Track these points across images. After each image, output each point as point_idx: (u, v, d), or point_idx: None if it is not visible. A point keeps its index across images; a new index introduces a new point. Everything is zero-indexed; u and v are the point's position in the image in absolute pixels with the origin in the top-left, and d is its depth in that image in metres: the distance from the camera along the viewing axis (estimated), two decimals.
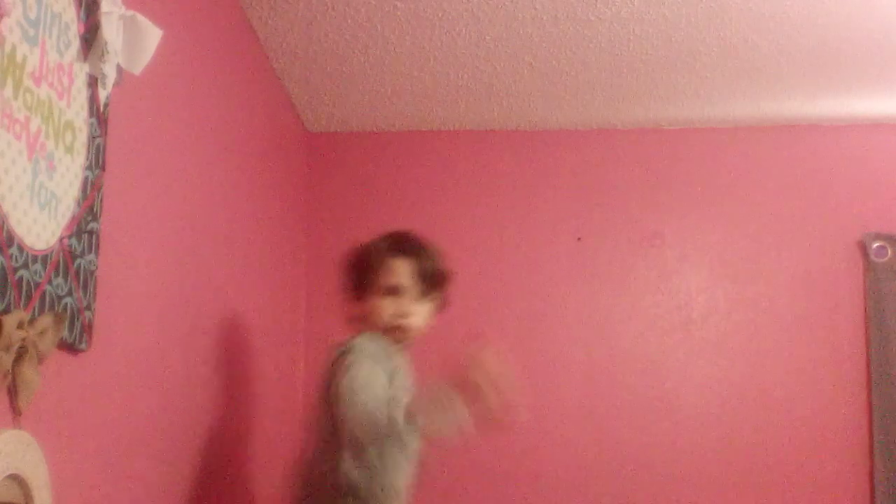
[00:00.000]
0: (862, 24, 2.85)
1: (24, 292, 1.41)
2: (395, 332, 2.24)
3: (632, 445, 3.48)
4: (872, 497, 3.36)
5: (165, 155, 2.15)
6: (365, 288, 2.26)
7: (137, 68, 1.78)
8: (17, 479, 1.39)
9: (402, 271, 2.24)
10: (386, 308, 2.22)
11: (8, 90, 1.37)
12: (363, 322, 2.27)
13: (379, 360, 2.18)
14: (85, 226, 1.63)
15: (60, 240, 1.54)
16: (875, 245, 3.47)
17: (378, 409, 2.03)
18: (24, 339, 1.37)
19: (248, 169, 2.86)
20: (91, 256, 1.65)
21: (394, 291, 2.23)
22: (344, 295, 2.32)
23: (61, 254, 1.54)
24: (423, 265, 2.25)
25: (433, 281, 2.26)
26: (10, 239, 1.38)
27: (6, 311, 1.36)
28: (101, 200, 1.70)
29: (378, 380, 2.12)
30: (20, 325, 1.37)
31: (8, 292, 1.37)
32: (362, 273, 2.28)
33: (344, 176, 3.70)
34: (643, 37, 2.94)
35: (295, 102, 3.44)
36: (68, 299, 1.56)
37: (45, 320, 1.44)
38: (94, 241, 1.67)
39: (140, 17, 1.75)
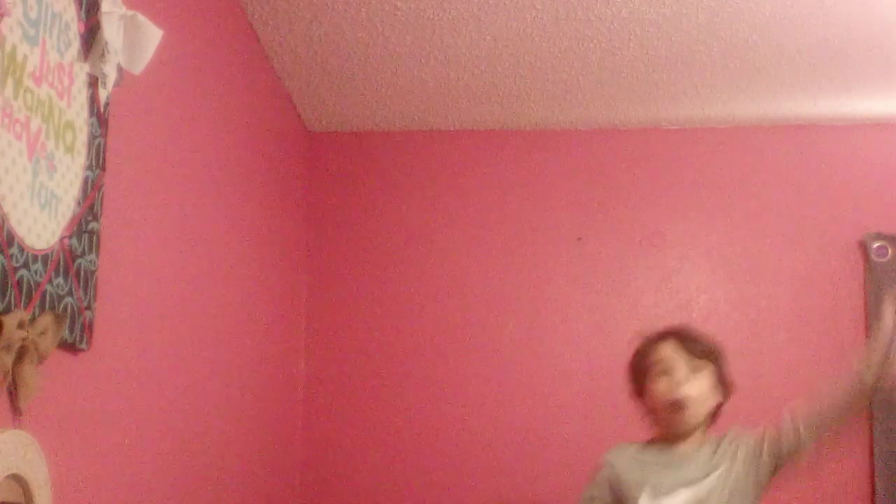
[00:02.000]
0: (862, 24, 2.85)
1: (24, 292, 1.41)
2: (673, 416, 2.31)
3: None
4: (872, 497, 3.36)
5: (165, 155, 2.15)
6: (642, 379, 2.38)
7: (138, 68, 1.78)
8: (17, 479, 1.39)
9: (666, 351, 2.35)
10: (659, 388, 2.32)
11: (8, 90, 1.37)
12: (649, 416, 2.38)
13: (621, 470, 2.34)
14: (85, 226, 1.63)
15: (61, 240, 1.54)
16: (875, 245, 3.47)
17: None
18: (24, 339, 1.37)
19: (248, 169, 2.86)
20: (91, 256, 1.65)
21: (663, 369, 2.33)
22: (632, 396, 2.44)
23: (61, 254, 1.54)
24: (686, 341, 2.35)
25: (701, 354, 2.34)
26: (11, 239, 1.38)
27: (6, 311, 1.36)
28: (102, 200, 1.70)
29: (591, 497, 2.38)
30: (20, 325, 1.37)
31: (8, 292, 1.37)
32: (636, 367, 2.41)
33: (344, 176, 3.70)
34: (643, 37, 2.94)
35: (295, 102, 3.44)
36: (68, 299, 1.56)
37: (46, 320, 1.44)
38: (94, 241, 1.67)
39: (140, 17, 1.75)
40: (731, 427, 2.44)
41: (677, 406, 2.29)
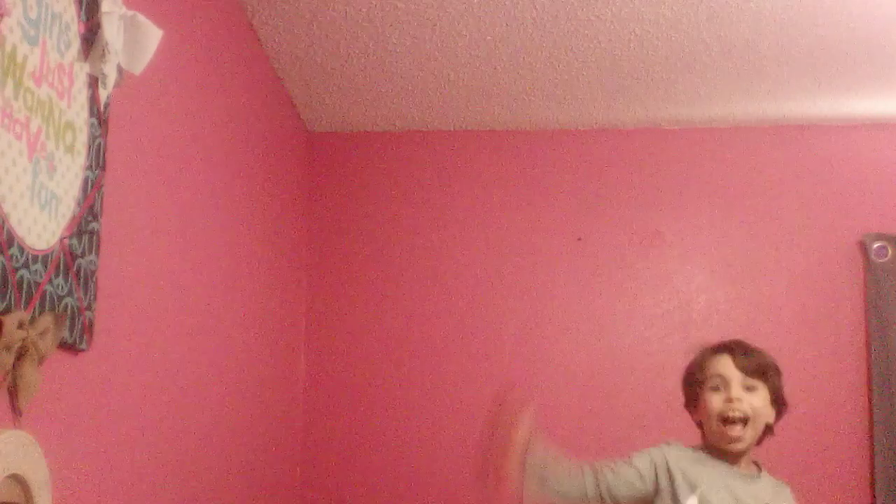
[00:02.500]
0: (862, 24, 2.85)
1: (24, 292, 1.41)
2: (725, 432, 2.27)
3: (632, 445, 3.46)
4: (872, 497, 3.36)
5: (165, 155, 2.15)
6: (697, 391, 2.35)
7: (138, 68, 1.78)
8: (17, 479, 1.39)
9: (723, 364, 2.32)
10: (714, 401, 2.29)
11: (8, 90, 1.37)
12: (702, 427, 2.35)
13: (679, 461, 2.31)
14: (85, 226, 1.63)
15: (61, 240, 1.54)
16: (875, 245, 3.47)
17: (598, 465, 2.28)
18: (24, 339, 1.37)
19: (248, 169, 2.86)
20: (91, 256, 1.65)
21: (718, 384, 2.30)
22: (686, 407, 2.42)
23: (62, 254, 1.54)
24: (743, 356, 2.33)
25: (757, 371, 2.32)
26: (11, 239, 1.38)
27: (7, 311, 1.36)
28: (102, 200, 1.70)
29: (632, 463, 2.33)
30: (21, 325, 1.37)
31: (8, 292, 1.37)
32: (692, 378, 2.38)
33: (344, 176, 3.70)
34: (643, 37, 2.94)
35: (295, 102, 3.44)
36: (68, 299, 1.56)
37: (46, 320, 1.44)
38: (94, 241, 1.67)
39: (140, 17, 1.75)
40: (785, 481, 2.41)
41: (730, 421, 2.27)
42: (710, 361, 2.34)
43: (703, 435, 2.34)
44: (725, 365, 2.31)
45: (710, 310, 3.54)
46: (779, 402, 2.36)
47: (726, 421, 2.26)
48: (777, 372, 2.36)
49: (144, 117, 2.00)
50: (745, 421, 2.26)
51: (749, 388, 2.29)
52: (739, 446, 2.27)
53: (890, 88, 3.30)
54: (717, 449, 2.30)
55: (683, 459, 2.31)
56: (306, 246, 3.64)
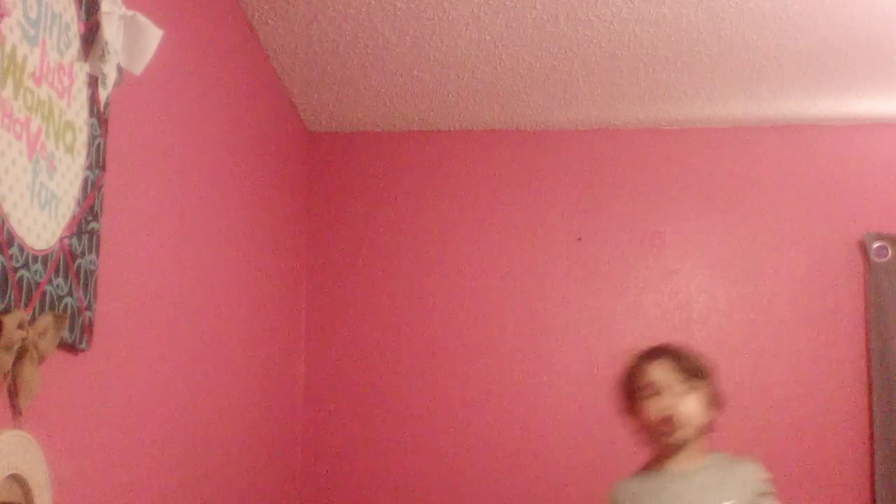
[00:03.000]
0: (862, 24, 2.85)
1: (24, 292, 1.41)
2: (665, 434, 2.30)
3: (632, 445, 3.47)
4: (872, 496, 3.36)
5: (165, 155, 2.15)
6: (632, 399, 2.37)
7: (138, 68, 1.78)
8: (17, 479, 1.39)
9: (656, 371, 2.34)
10: (650, 409, 2.32)
11: (8, 90, 1.37)
12: (642, 434, 2.38)
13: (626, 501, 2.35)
14: (85, 226, 1.63)
15: (61, 240, 1.54)
16: (875, 245, 3.47)
17: None
18: (24, 339, 1.37)
19: (248, 169, 2.86)
20: (91, 256, 1.65)
21: (653, 391, 2.32)
22: (622, 415, 2.44)
23: (61, 254, 1.54)
24: (675, 361, 2.35)
25: (691, 372, 2.34)
26: (11, 239, 1.38)
27: (6, 311, 1.36)
28: (101, 200, 1.70)
29: None
30: (20, 325, 1.37)
31: (8, 292, 1.37)
32: (626, 387, 2.40)
33: (344, 176, 3.70)
34: (643, 37, 2.94)
35: (295, 102, 3.44)
36: (68, 299, 1.56)
37: (46, 320, 1.44)
38: (94, 241, 1.67)
39: (140, 17, 1.75)
40: (747, 458, 2.40)
41: (669, 423, 2.29)
42: (643, 368, 2.36)
43: (643, 441, 2.37)
44: (659, 370, 2.33)
45: (710, 310, 3.54)
46: (715, 401, 2.37)
47: (664, 422, 2.29)
48: (710, 372, 2.38)
49: (144, 117, 2.00)
50: (680, 425, 2.29)
51: (683, 392, 2.31)
52: (679, 444, 2.30)
53: (890, 88, 3.30)
54: (660, 451, 2.33)
55: (628, 497, 2.35)
56: (306, 246, 3.64)
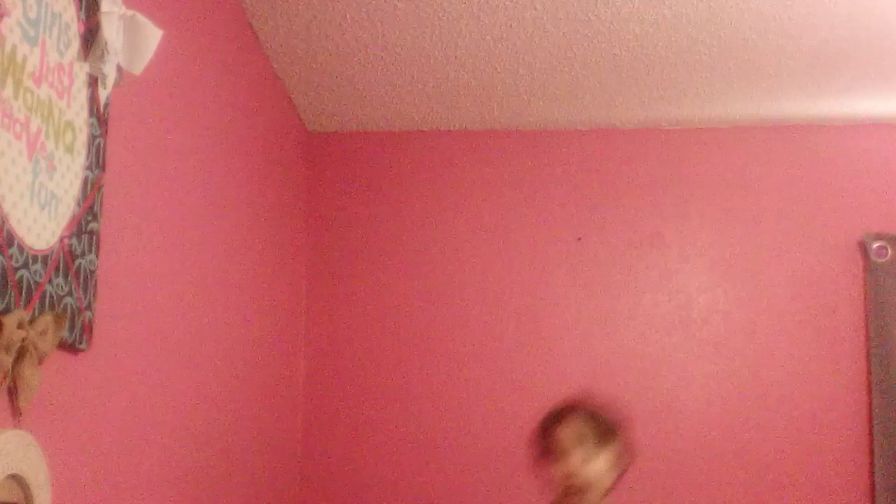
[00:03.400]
0: (862, 24, 2.85)
1: (24, 292, 1.41)
2: (572, 497, 2.33)
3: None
4: (872, 497, 3.36)
5: (165, 155, 2.15)
6: (542, 457, 2.41)
7: (137, 68, 1.78)
8: (17, 479, 1.39)
9: (565, 432, 2.36)
10: (556, 469, 2.35)
11: (8, 90, 1.37)
12: (549, 490, 2.40)
13: None
14: (85, 226, 1.63)
15: (60, 240, 1.54)
16: (875, 245, 3.47)
17: None
18: (24, 339, 1.37)
19: (248, 169, 2.86)
20: (91, 256, 1.65)
21: (561, 453, 2.35)
22: (533, 467, 2.46)
23: (61, 254, 1.54)
24: (586, 421, 2.36)
25: (602, 432, 2.35)
26: (11, 239, 1.38)
27: (6, 311, 1.36)
28: (101, 200, 1.70)
29: None
30: (20, 325, 1.37)
31: (8, 292, 1.37)
32: (536, 445, 2.43)
33: (344, 176, 3.70)
34: (643, 37, 2.94)
35: (295, 102, 3.44)
36: (68, 299, 1.56)
37: (46, 320, 1.44)
38: (94, 241, 1.67)
39: (140, 17, 1.75)
40: None
41: (575, 489, 2.31)
42: (553, 429, 2.38)
43: (550, 496, 2.39)
44: (568, 434, 2.35)
45: (710, 310, 3.54)
46: (625, 458, 2.39)
47: (570, 487, 2.31)
48: (619, 432, 2.39)
49: (144, 117, 2.00)
50: (584, 490, 2.31)
51: (591, 455, 2.33)
52: None
53: (890, 88, 3.30)
54: None
55: None
56: (306, 246, 3.64)
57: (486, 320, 3.57)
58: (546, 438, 2.37)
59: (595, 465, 2.31)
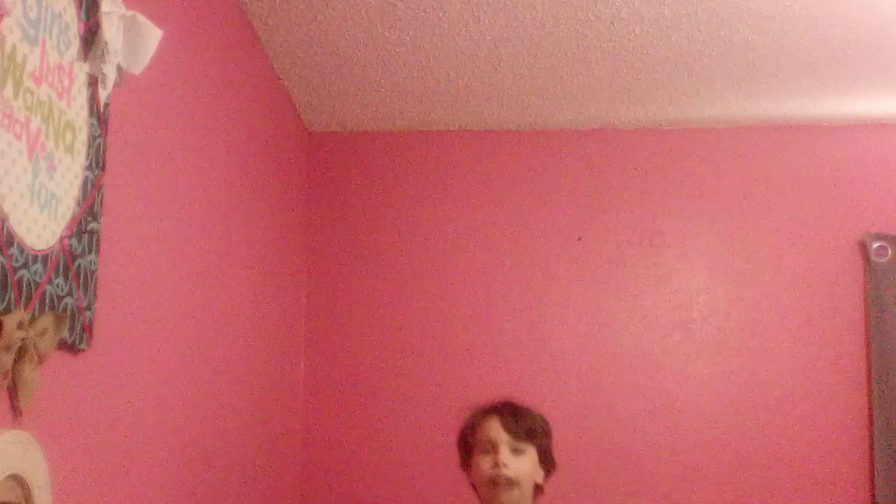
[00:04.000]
0: (862, 24, 2.85)
1: (24, 292, 1.41)
2: (495, 495, 2.33)
3: (632, 445, 3.48)
4: (872, 497, 3.36)
5: (165, 155, 2.15)
6: (469, 454, 2.42)
7: (138, 68, 1.78)
8: (17, 479, 1.39)
9: (492, 427, 2.37)
10: (483, 463, 2.35)
11: (8, 90, 1.37)
12: (476, 490, 2.40)
13: None
14: (85, 226, 1.63)
15: (60, 240, 1.54)
16: (875, 245, 3.47)
17: None
18: (24, 339, 1.37)
19: (248, 169, 2.86)
20: (91, 256, 1.65)
21: (488, 447, 2.36)
22: (461, 468, 2.47)
23: (61, 254, 1.54)
24: (511, 419, 2.38)
25: (525, 434, 2.37)
26: (10, 239, 1.38)
27: (6, 311, 1.36)
28: (101, 200, 1.70)
29: None
30: (20, 325, 1.36)
31: (8, 292, 1.37)
32: (464, 441, 2.44)
33: (344, 176, 3.70)
34: (643, 37, 2.94)
35: (295, 102, 3.44)
36: (68, 299, 1.56)
37: (45, 320, 1.44)
38: (94, 241, 1.66)
39: (140, 17, 1.75)
40: None
41: (498, 485, 2.32)
42: (481, 424, 2.40)
43: (478, 496, 2.39)
44: (494, 428, 2.36)
45: (710, 310, 3.54)
46: (547, 463, 2.41)
47: (494, 483, 2.32)
48: (545, 433, 2.42)
49: (144, 117, 2.00)
50: (512, 484, 2.31)
51: (517, 451, 2.34)
52: (506, 500, 2.32)
53: (890, 88, 3.30)
54: None
55: None
56: (306, 246, 3.64)
57: (486, 320, 3.57)
58: (475, 433, 2.39)
59: (518, 464, 2.33)
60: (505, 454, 2.33)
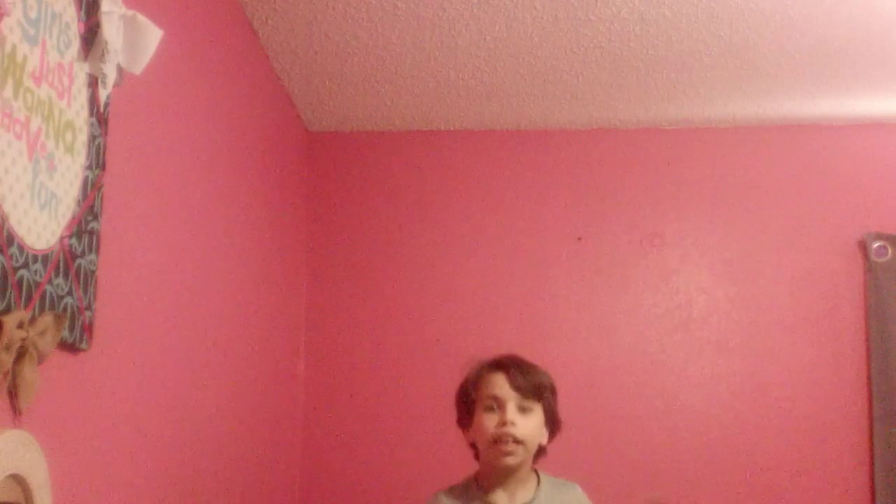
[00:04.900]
0: (862, 24, 2.85)
1: (24, 292, 1.41)
2: (498, 453, 2.20)
3: (631, 445, 3.48)
4: (872, 497, 3.36)
5: (165, 155, 2.15)
6: (471, 410, 2.28)
7: (138, 68, 1.78)
8: (17, 479, 1.39)
9: (499, 383, 2.24)
10: (487, 421, 2.22)
11: (8, 90, 1.37)
12: (475, 448, 2.27)
13: None
14: (85, 226, 1.63)
15: (61, 240, 1.54)
16: (875, 245, 3.47)
17: None
18: (24, 339, 1.37)
19: (248, 169, 2.86)
20: (91, 256, 1.65)
21: (493, 404, 2.23)
22: (459, 425, 2.34)
23: (61, 254, 1.54)
24: (519, 376, 2.25)
25: (533, 391, 2.24)
26: (11, 239, 1.38)
27: (6, 311, 1.36)
28: (101, 200, 1.70)
29: None
30: (20, 325, 1.37)
31: (8, 292, 1.37)
32: (465, 396, 2.30)
33: (344, 176, 3.70)
34: (643, 37, 2.94)
35: (295, 102, 3.44)
36: (68, 299, 1.56)
37: (46, 320, 1.44)
38: (94, 241, 1.67)
39: (140, 17, 1.75)
40: (570, 484, 2.33)
41: (503, 444, 2.18)
42: (486, 380, 2.26)
43: (476, 454, 2.28)
44: (501, 385, 2.23)
45: (710, 310, 3.54)
46: (553, 423, 2.28)
47: (498, 441, 2.19)
48: (552, 392, 2.29)
49: (144, 117, 2.00)
50: (517, 443, 2.19)
51: (524, 410, 2.22)
52: (511, 461, 2.20)
53: (890, 88, 3.30)
54: (490, 470, 2.23)
55: None
56: (306, 246, 3.64)
57: (486, 320, 3.57)
58: (478, 388, 2.25)
59: (525, 422, 2.21)
60: (512, 412, 2.20)
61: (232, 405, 2.66)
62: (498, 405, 2.22)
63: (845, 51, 3.02)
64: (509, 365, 2.27)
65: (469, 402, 2.28)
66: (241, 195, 2.78)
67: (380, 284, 3.62)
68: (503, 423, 2.19)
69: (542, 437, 2.25)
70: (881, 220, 3.51)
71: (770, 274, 3.55)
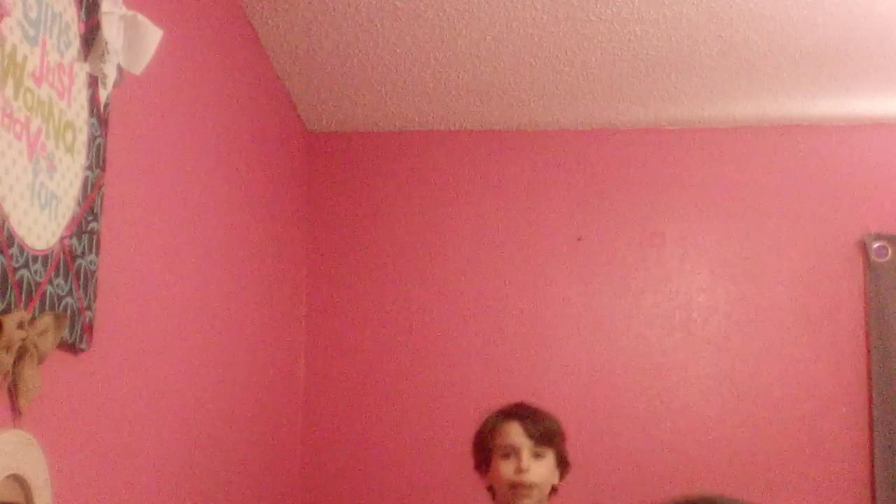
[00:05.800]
0: (862, 24, 2.85)
1: (24, 292, 1.41)
2: (518, 494, 2.37)
3: (632, 445, 3.48)
4: (872, 497, 3.36)
5: (165, 155, 2.15)
6: (488, 458, 2.44)
7: (138, 68, 1.78)
8: (17, 479, 1.39)
9: (514, 432, 2.40)
10: (504, 469, 2.38)
11: (8, 90, 1.37)
12: (492, 491, 2.44)
13: None
14: (85, 226, 1.63)
15: (61, 240, 1.54)
16: (875, 245, 3.47)
17: None
18: (24, 339, 1.37)
19: (248, 169, 2.86)
20: (91, 256, 1.65)
21: (509, 452, 2.39)
22: (476, 470, 2.50)
23: (62, 254, 1.54)
24: (532, 424, 2.41)
25: (545, 438, 2.41)
26: (11, 239, 1.38)
27: (6, 311, 1.36)
28: (101, 200, 1.70)
29: None
30: (20, 325, 1.37)
31: (8, 292, 1.37)
32: (482, 444, 2.47)
33: (344, 176, 3.70)
34: (643, 37, 2.94)
35: (295, 102, 3.44)
36: (68, 299, 1.56)
37: (46, 320, 1.44)
38: (94, 241, 1.67)
39: (140, 17, 1.75)
40: None
41: (520, 490, 2.36)
42: (501, 429, 2.43)
43: (493, 497, 2.43)
44: (516, 433, 2.40)
45: (710, 310, 3.54)
46: (563, 465, 2.46)
47: (515, 488, 2.36)
48: (562, 437, 2.46)
49: (144, 117, 2.00)
50: (533, 488, 2.36)
51: (538, 455, 2.39)
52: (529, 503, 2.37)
53: (890, 88, 3.30)
54: None
55: None
56: (306, 246, 3.64)
57: (486, 320, 3.57)
58: (494, 438, 2.42)
59: (539, 468, 2.38)
60: (527, 459, 2.37)
61: (232, 405, 2.66)
62: (514, 453, 2.39)
63: (845, 51, 3.02)
64: (523, 415, 2.44)
65: (486, 450, 2.45)
66: (241, 195, 2.78)
67: (380, 284, 3.62)
68: (520, 470, 2.36)
69: (554, 478, 2.43)
70: (881, 220, 3.51)
71: (770, 274, 3.55)
